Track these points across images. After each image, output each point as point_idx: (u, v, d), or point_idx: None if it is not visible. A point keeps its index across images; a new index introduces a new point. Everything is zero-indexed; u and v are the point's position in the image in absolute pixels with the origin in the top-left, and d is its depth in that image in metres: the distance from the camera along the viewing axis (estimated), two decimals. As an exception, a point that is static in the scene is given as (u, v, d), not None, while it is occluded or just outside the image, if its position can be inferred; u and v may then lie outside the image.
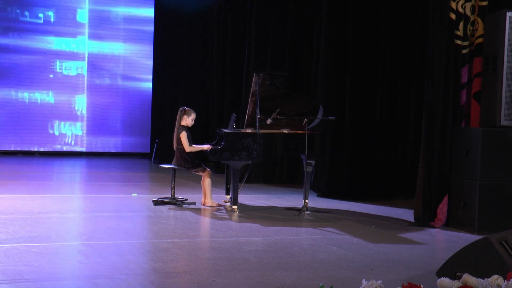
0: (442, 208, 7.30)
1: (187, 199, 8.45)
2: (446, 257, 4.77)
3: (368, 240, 6.35)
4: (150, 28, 16.62)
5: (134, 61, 16.69)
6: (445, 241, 6.73)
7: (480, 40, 7.28)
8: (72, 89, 16.15)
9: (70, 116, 16.15)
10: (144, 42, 16.71)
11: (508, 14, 6.93)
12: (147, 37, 16.68)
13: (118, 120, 16.63)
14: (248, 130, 8.17)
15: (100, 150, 16.47)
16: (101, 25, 16.31)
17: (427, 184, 7.32)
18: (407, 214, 7.98)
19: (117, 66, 16.56)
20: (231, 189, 8.01)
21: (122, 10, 16.50)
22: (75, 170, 13.56)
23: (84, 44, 16.19)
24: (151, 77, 16.69)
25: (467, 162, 7.08)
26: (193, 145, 8.18)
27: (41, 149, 15.92)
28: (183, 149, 8.14)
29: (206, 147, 8.11)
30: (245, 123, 8.40)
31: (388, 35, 9.84)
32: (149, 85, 16.72)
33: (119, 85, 16.60)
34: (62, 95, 16.04)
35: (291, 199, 9.23)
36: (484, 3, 7.31)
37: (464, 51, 7.35)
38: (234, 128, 8.26)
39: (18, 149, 15.70)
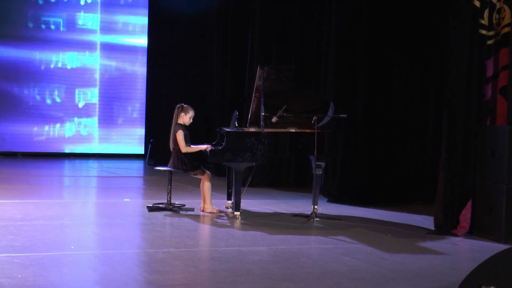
0: (466, 215, 7.27)
1: (184, 205, 8.44)
2: (470, 269, 4.75)
3: (383, 249, 6.33)
4: (144, 21, 16.65)
5: (128, 54, 16.71)
6: (468, 251, 6.71)
7: (507, 29, 7.25)
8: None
9: (57, 115, 16.17)
10: (138, 34, 16.74)
11: (538, 0, 6.91)
12: (141, 29, 16.72)
13: (109, 119, 16.64)
14: (252, 129, 8.16)
15: (89, 151, 16.48)
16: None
17: (448, 188, 7.30)
18: (427, 221, 7.96)
19: (108, 60, 16.58)
20: (233, 193, 7.99)
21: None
22: (61, 173, 13.56)
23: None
24: (145, 71, 16.70)
25: (492, 163, 7.06)
26: (190, 146, 8.16)
27: (25, 150, 15.93)
28: (180, 149, 8.13)
29: (205, 147, 8.10)
30: (248, 121, 8.39)
31: (405, 25, 9.81)
32: (143, 80, 16.73)
33: (111, 80, 16.61)
34: (49, 92, 16.08)
35: (299, 205, 9.22)
36: (511, -11, 7.29)
37: (489, 42, 7.32)
38: (236, 126, 8.25)
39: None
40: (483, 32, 7.29)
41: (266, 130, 7.92)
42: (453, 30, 7.39)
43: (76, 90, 16.33)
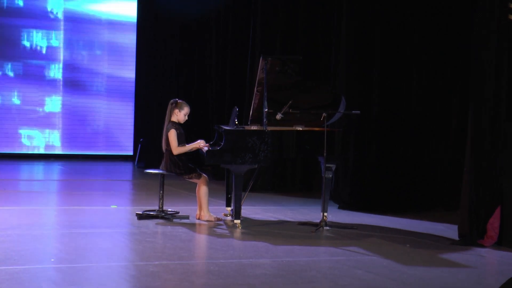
0: (493, 223, 7.26)
1: (178, 212, 8.43)
2: (498, 283, 4.74)
3: (401, 262, 6.32)
4: (133, 12, 16.70)
5: (116, 47, 16.74)
6: (496, 264, 6.70)
7: (540, 15, 7.25)
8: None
9: (43, 111, 16.20)
10: (127, 22, 16.79)
11: None
12: (130, 18, 16.78)
13: (96, 117, 16.65)
14: (254, 127, 8.15)
15: (74, 152, 16.47)
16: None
17: (474, 193, 7.28)
18: (450, 230, 7.95)
19: (97, 52, 16.63)
20: (233, 199, 7.98)
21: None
22: (43, 177, 13.56)
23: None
24: (134, 65, 16.71)
25: (524, 165, 7.04)
26: (185, 145, 8.13)
27: (7, 151, 15.94)
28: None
29: (199, 144, 8.05)
30: (250, 118, 8.39)
31: (426, 11, 9.79)
32: (132, 74, 16.74)
33: (99, 76, 16.64)
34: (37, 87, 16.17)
35: (307, 212, 9.22)
36: (546, -31, 7.27)
37: (520, 29, 7.31)
38: (236, 124, 8.24)
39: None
40: (513, 18, 7.27)
41: (269, 128, 7.91)
42: (480, 17, 7.37)
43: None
